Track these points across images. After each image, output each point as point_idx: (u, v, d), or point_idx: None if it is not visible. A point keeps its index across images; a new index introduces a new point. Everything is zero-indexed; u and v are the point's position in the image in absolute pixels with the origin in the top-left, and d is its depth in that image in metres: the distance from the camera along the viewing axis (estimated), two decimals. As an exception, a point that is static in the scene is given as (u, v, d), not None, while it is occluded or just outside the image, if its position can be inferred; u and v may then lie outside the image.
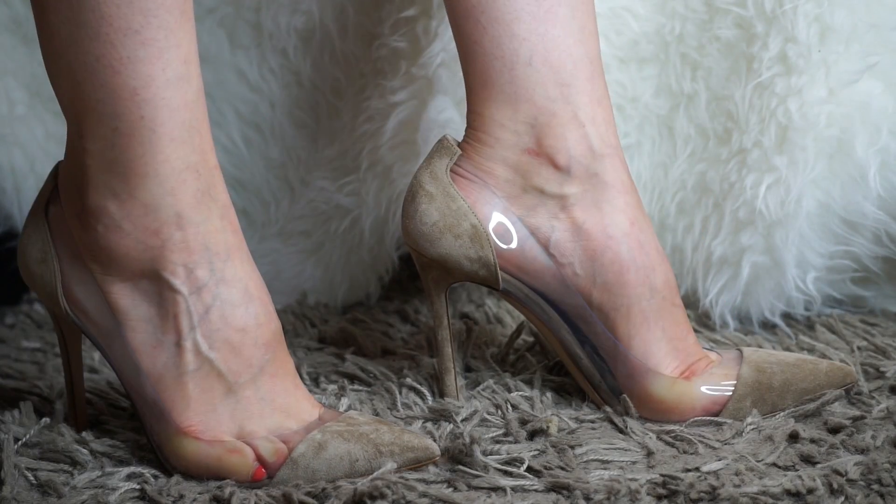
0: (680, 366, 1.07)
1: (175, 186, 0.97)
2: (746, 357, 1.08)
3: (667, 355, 1.07)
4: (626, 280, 1.06)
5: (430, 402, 1.10)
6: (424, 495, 0.95)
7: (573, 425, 1.06)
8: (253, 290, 1.00)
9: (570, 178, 1.06)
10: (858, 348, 1.19)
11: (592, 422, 1.07)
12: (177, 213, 0.97)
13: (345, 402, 1.10)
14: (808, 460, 0.99)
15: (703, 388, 1.06)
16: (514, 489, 0.97)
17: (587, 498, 0.95)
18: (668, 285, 1.07)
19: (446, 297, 1.09)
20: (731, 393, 1.06)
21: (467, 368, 1.17)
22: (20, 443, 1.04)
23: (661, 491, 0.95)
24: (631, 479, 0.96)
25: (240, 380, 0.99)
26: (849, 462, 0.97)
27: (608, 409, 1.08)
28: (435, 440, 1.04)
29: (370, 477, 0.96)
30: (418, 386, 1.13)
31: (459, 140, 1.09)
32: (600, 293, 1.06)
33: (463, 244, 1.07)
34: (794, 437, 1.02)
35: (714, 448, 1.02)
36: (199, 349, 0.99)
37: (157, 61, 0.95)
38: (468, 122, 1.08)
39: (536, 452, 1.01)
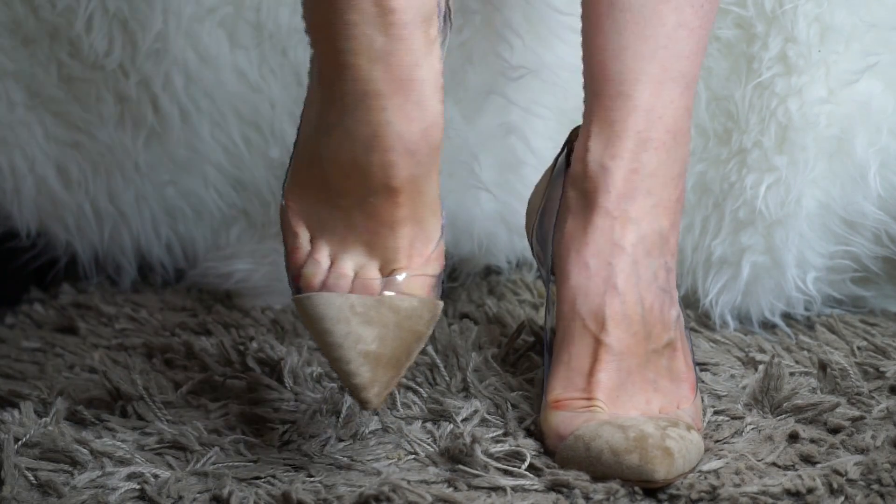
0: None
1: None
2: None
3: None
4: None
5: (430, 402, 1.11)
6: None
7: (573, 425, 1.06)
8: (380, 142, 0.99)
9: None
10: (858, 348, 1.19)
11: (592, 421, 1.07)
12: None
13: (347, 400, 1.10)
14: (808, 460, 0.99)
15: None
16: (514, 489, 0.97)
17: (587, 497, 0.95)
18: None
19: None
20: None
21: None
22: (20, 443, 1.04)
23: (660, 491, 0.95)
24: (631, 479, 0.96)
25: (341, 203, 1.01)
26: (849, 462, 0.97)
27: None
28: (435, 440, 1.04)
29: (377, 481, 0.96)
30: (417, 386, 1.13)
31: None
32: None
33: None
34: (794, 437, 1.02)
35: (714, 447, 1.02)
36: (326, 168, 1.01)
37: None
38: None
39: (536, 452, 1.01)
